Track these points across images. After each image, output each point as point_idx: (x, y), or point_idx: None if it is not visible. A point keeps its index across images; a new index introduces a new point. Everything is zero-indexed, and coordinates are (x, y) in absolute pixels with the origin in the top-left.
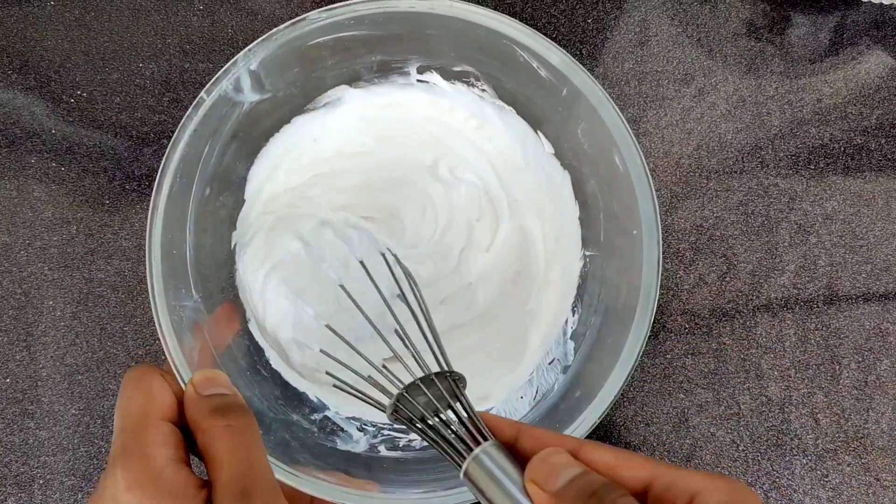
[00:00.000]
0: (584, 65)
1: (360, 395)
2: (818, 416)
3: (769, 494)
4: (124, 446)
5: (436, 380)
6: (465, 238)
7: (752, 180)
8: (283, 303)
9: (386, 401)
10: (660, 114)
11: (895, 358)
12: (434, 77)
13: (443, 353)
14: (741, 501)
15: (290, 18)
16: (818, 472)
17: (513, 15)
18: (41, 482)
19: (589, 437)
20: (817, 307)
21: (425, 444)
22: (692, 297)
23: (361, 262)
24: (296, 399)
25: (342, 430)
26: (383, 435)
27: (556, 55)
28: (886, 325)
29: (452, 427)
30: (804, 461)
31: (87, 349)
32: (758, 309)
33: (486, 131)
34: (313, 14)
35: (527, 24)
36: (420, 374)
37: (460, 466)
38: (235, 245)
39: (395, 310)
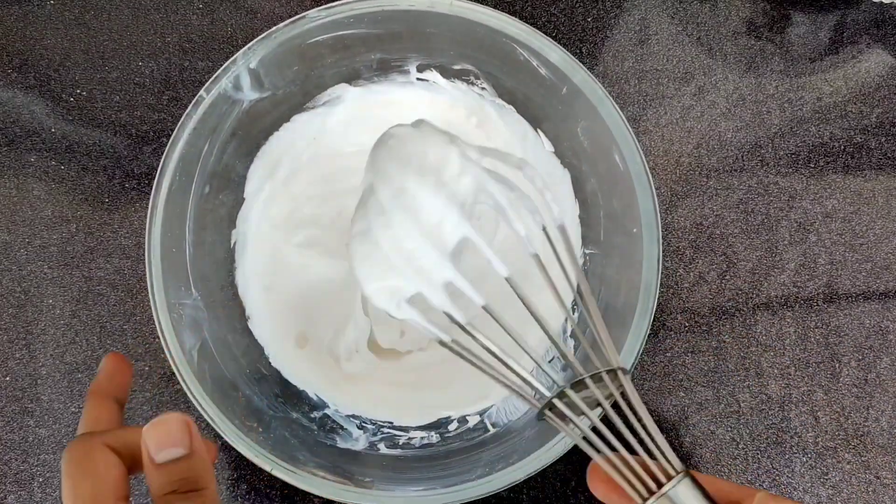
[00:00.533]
0: (583, 63)
1: (518, 385)
2: (818, 414)
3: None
4: None
5: (592, 381)
6: None
7: (752, 178)
8: None
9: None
10: (660, 112)
11: (895, 356)
12: (434, 75)
13: (609, 347)
14: None
15: (290, 17)
16: (818, 469)
17: (512, 13)
18: (41, 480)
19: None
20: (817, 305)
21: (425, 441)
22: (692, 296)
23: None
24: (295, 397)
25: (342, 427)
26: (383, 433)
27: (555, 53)
28: (886, 323)
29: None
30: (804, 459)
31: (86, 347)
32: (758, 307)
33: (486, 130)
34: (313, 12)
35: (526, 22)
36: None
37: (644, 499)
38: (235, 243)
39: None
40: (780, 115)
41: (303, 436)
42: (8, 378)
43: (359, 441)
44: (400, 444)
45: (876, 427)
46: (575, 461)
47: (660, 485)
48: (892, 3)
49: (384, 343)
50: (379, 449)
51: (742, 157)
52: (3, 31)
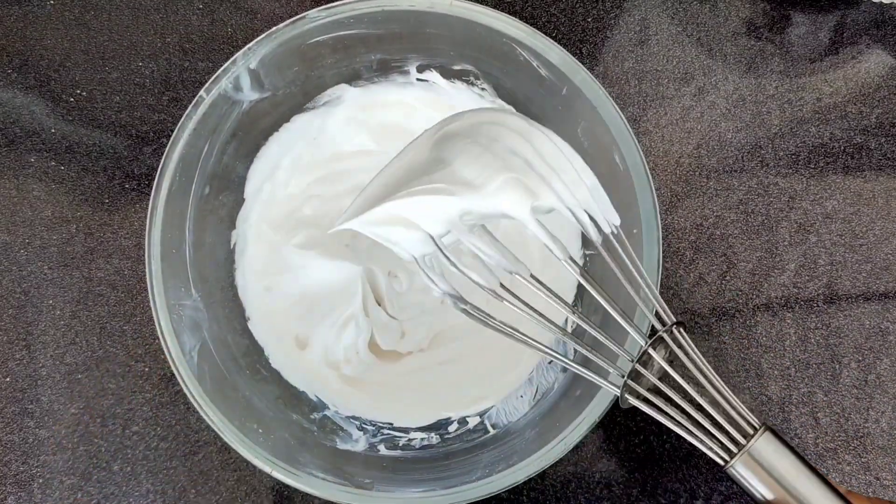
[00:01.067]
0: (584, 64)
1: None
2: (818, 415)
3: None
4: None
5: (653, 351)
6: None
7: (752, 179)
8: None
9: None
10: (660, 113)
11: (895, 357)
12: (434, 76)
13: (662, 305)
14: None
15: (290, 17)
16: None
17: (512, 13)
18: (41, 481)
19: (588, 436)
20: (817, 306)
21: (425, 443)
22: (692, 297)
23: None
24: (295, 398)
25: (342, 429)
26: (383, 434)
27: (555, 54)
28: (886, 324)
29: (706, 408)
30: None
31: (86, 348)
32: (758, 308)
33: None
34: (313, 13)
35: (527, 22)
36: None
37: (725, 461)
38: (235, 244)
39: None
40: (780, 116)
41: (302, 437)
42: (8, 379)
43: (359, 442)
44: (400, 445)
45: (876, 428)
46: (575, 461)
47: (739, 445)
48: (892, 3)
49: (385, 345)
50: (379, 450)
51: (742, 157)
52: (3, 31)
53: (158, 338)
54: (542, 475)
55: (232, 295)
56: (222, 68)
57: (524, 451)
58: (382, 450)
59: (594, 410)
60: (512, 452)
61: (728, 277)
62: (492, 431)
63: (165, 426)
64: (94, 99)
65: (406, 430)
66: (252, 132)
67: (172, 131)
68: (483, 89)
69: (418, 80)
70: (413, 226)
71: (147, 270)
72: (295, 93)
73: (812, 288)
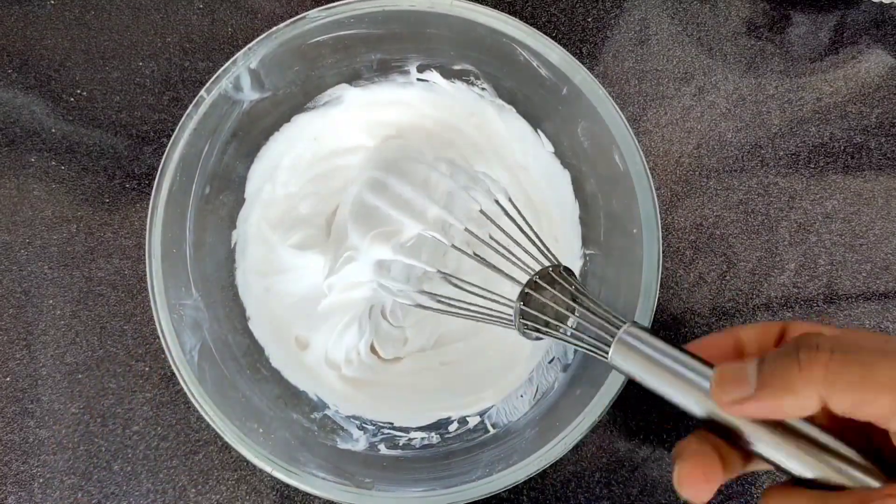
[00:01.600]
0: (583, 63)
1: (482, 315)
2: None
3: None
4: None
5: (543, 282)
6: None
7: (752, 179)
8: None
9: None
10: (660, 112)
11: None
12: (434, 76)
13: (547, 248)
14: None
15: (290, 17)
16: None
17: (513, 13)
18: (41, 481)
19: (588, 436)
20: (817, 306)
21: (425, 442)
22: (692, 296)
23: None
24: (295, 398)
25: (342, 428)
26: (383, 434)
27: (555, 54)
28: (886, 323)
29: (586, 321)
30: None
31: (86, 348)
32: (758, 308)
33: (486, 130)
34: (313, 12)
35: (527, 22)
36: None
37: (606, 355)
38: (235, 244)
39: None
40: (780, 116)
41: (303, 436)
42: (8, 379)
43: (359, 442)
44: (400, 444)
45: None
46: (575, 461)
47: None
48: (892, 3)
49: (386, 354)
50: (379, 450)
51: (742, 157)
52: (3, 31)
53: (159, 337)
54: (542, 475)
55: (232, 294)
56: (223, 68)
57: (524, 451)
58: (383, 449)
59: (594, 410)
60: (512, 452)
61: (728, 277)
62: (492, 431)
63: (166, 426)
64: (95, 99)
65: (406, 430)
66: (252, 132)
67: (173, 131)
68: (483, 89)
69: (418, 80)
70: (356, 284)
71: (147, 270)
72: (295, 93)
73: (812, 288)
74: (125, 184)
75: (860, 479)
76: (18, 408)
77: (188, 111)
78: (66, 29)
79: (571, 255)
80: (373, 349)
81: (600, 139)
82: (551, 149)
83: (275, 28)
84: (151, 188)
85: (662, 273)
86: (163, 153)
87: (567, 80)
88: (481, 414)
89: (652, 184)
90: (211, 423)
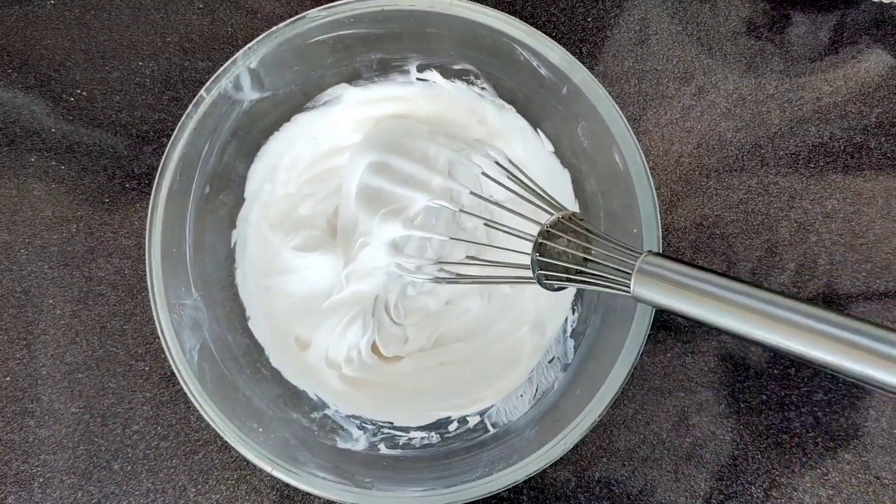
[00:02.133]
0: (583, 63)
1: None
2: (818, 414)
3: (769, 493)
4: None
5: (554, 229)
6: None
7: (752, 179)
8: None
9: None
10: (660, 112)
11: None
12: (434, 75)
13: (554, 199)
14: None
15: (290, 17)
16: (818, 470)
17: (513, 13)
18: (41, 480)
19: (588, 436)
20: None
21: (425, 442)
22: None
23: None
24: (295, 397)
25: (342, 428)
26: (383, 433)
27: (555, 53)
28: (886, 323)
29: (604, 262)
30: (804, 459)
31: (86, 347)
32: None
33: (486, 130)
34: (313, 12)
35: (526, 22)
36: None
37: (629, 289)
38: (235, 244)
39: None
40: (780, 115)
41: (303, 436)
42: (8, 378)
43: (359, 441)
44: (400, 444)
45: (876, 427)
46: (575, 461)
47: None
48: (892, 3)
49: (388, 353)
50: (379, 449)
51: (742, 157)
52: (3, 31)
53: (159, 337)
54: (542, 474)
55: (232, 294)
56: (223, 68)
57: (524, 450)
58: (383, 449)
59: (594, 410)
60: (512, 451)
61: None
62: (492, 430)
63: (166, 425)
64: (95, 98)
65: (406, 430)
66: (252, 131)
67: (173, 131)
68: (483, 89)
69: (418, 79)
70: (372, 271)
71: (147, 270)
72: (295, 92)
73: (812, 287)
74: (125, 184)
75: None
76: (18, 407)
77: (188, 111)
78: (66, 29)
79: None
80: (374, 348)
81: (600, 139)
82: (551, 148)
83: (275, 28)
84: (151, 188)
85: None
86: (163, 153)
87: (567, 79)
88: (481, 414)
89: (652, 183)
90: (211, 422)
